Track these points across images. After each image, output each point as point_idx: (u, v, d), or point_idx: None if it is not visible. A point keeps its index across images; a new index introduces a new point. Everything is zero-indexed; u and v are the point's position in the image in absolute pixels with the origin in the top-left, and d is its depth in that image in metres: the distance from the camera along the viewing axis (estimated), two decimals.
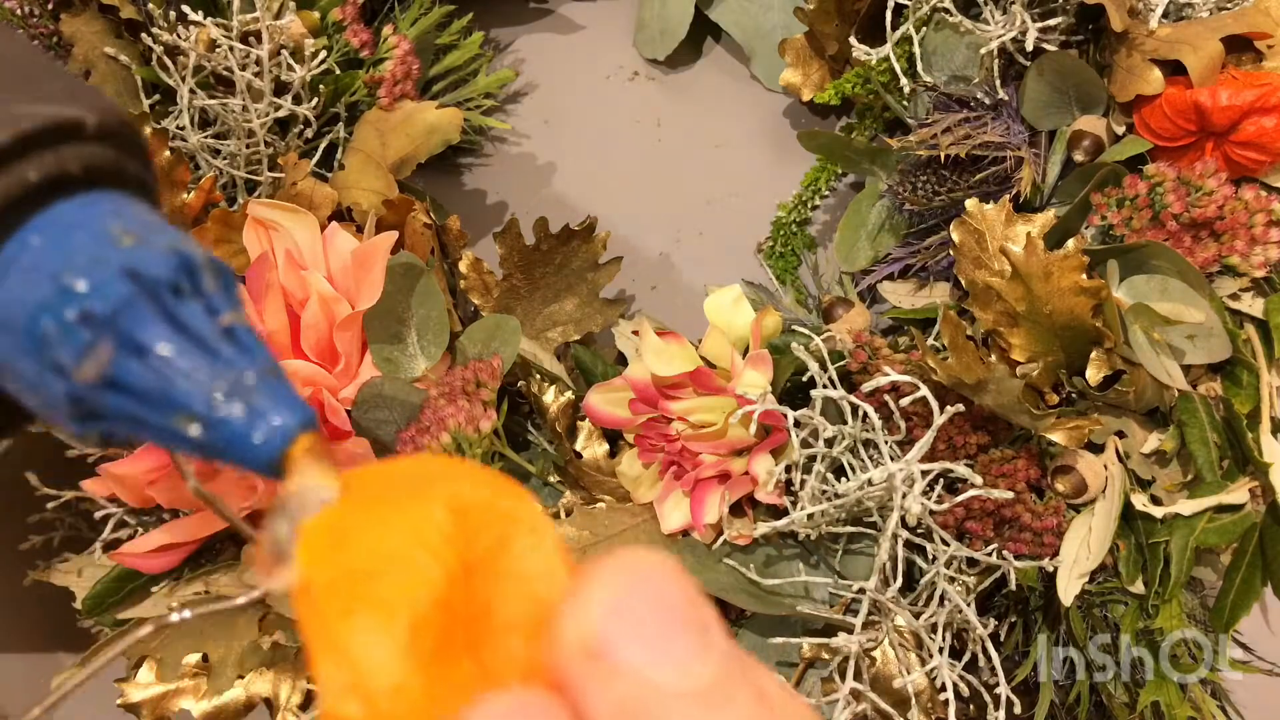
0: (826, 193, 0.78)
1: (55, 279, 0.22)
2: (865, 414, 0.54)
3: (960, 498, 0.54)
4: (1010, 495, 0.54)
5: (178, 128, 0.66)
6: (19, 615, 0.74)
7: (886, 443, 0.55)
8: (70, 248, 0.23)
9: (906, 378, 0.53)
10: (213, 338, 0.23)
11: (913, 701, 0.55)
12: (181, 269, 0.23)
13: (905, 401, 0.52)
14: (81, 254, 0.23)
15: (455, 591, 0.22)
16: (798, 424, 0.56)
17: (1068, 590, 0.56)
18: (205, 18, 0.65)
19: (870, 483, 0.53)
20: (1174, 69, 0.58)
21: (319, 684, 0.21)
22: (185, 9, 0.65)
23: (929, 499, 0.54)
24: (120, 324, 0.22)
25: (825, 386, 0.55)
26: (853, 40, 0.68)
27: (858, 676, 0.55)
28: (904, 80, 0.67)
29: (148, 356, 0.23)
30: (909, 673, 0.55)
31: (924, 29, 0.67)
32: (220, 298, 0.24)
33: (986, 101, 0.66)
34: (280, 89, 0.67)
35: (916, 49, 0.66)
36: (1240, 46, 0.58)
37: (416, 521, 0.22)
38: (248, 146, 0.67)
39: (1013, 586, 0.56)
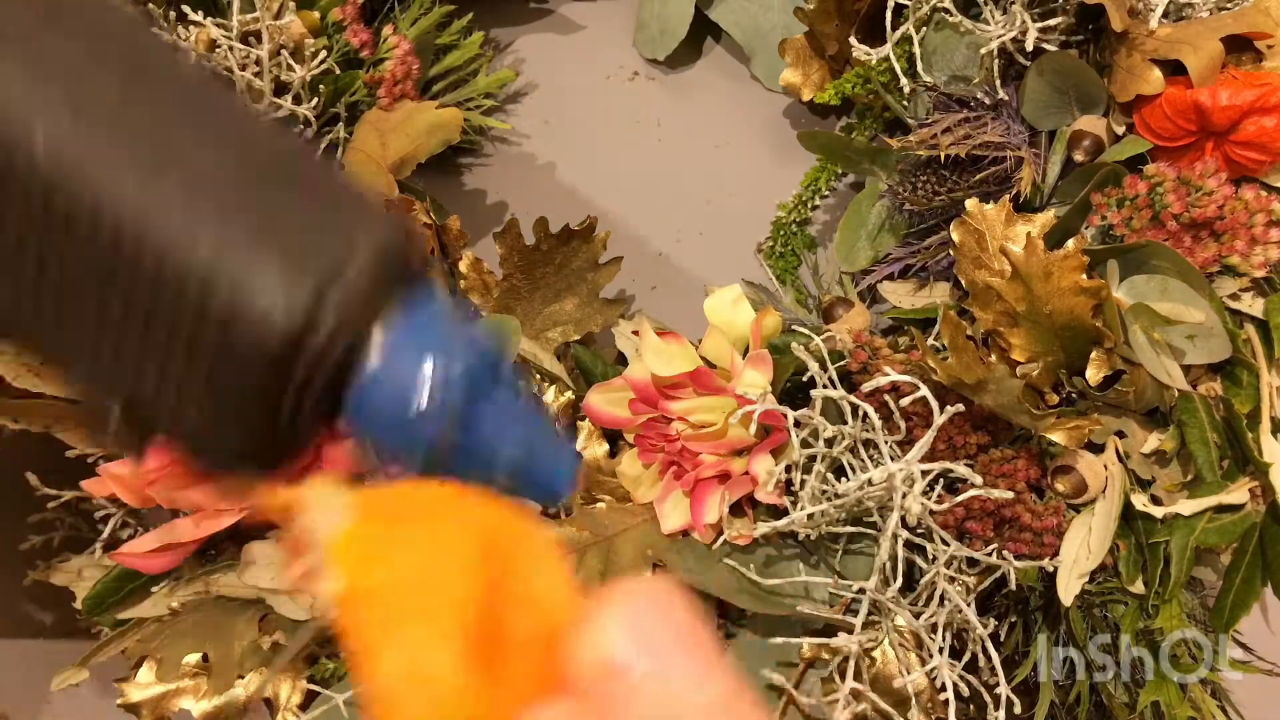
0: (826, 193, 0.78)
1: (415, 371, 0.27)
2: (865, 414, 0.54)
3: (960, 498, 0.54)
4: (1010, 495, 0.54)
5: None
6: (18, 615, 0.74)
7: (886, 443, 0.55)
8: (423, 346, 0.28)
9: (906, 378, 0.53)
10: (519, 407, 0.29)
11: (913, 701, 0.55)
12: (493, 356, 0.29)
13: (905, 401, 0.52)
14: (431, 350, 0.28)
15: (482, 610, 0.23)
16: (798, 424, 0.56)
17: (1068, 590, 0.56)
18: (205, 18, 0.65)
19: (870, 483, 0.53)
20: (1174, 69, 0.58)
21: (374, 682, 0.22)
22: (185, 9, 0.65)
23: (929, 499, 0.54)
24: (464, 403, 0.28)
25: (825, 386, 0.55)
26: (853, 40, 0.68)
27: (858, 676, 0.55)
28: (904, 80, 0.67)
29: (480, 425, 0.28)
30: (909, 673, 0.55)
31: (924, 29, 0.67)
32: (512, 375, 0.29)
33: (986, 101, 0.66)
34: (280, 89, 0.67)
35: (916, 49, 0.66)
36: (1240, 46, 0.58)
37: (451, 542, 0.24)
38: None
39: (1013, 586, 0.56)
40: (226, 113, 0.30)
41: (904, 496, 0.52)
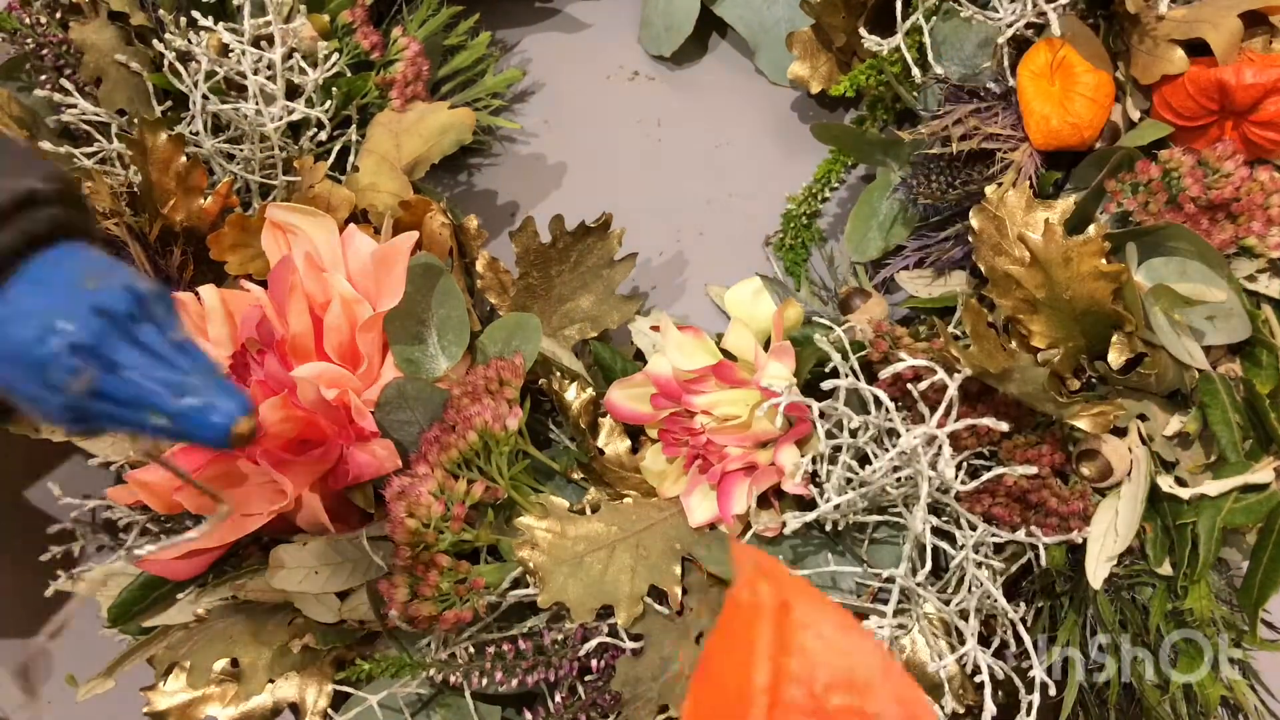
0: (836, 185, 0.78)
1: (46, 321, 0.29)
2: (885, 402, 0.54)
3: (985, 476, 0.54)
4: (1033, 470, 0.54)
5: (191, 133, 0.66)
6: (10, 618, 0.74)
7: (908, 429, 0.55)
8: (52, 295, 0.30)
9: (923, 361, 0.53)
10: (166, 351, 0.30)
11: (945, 688, 0.55)
12: (135, 301, 0.30)
13: (923, 385, 0.53)
14: (62, 299, 0.29)
15: None
16: (822, 415, 0.56)
17: (1096, 573, 0.56)
18: (216, 23, 0.65)
19: (901, 453, 0.53)
20: (1189, 50, 0.58)
21: None
22: (195, 15, 0.65)
23: (955, 479, 0.54)
24: (98, 349, 0.29)
25: (847, 376, 0.55)
26: (862, 31, 0.68)
27: None
28: (915, 71, 0.67)
29: (121, 371, 0.29)
30: (940, 659, 0.55)
31: (933, 19, 0.67)
32: (167, 320, 0.31)
33: (997, 90, 0.66)
34: (293, 92, 0.67)
35: (926, 39, 0.66)
36: (1253, 22, 0.58)
37: None
38: (261, 151, 0.67)
39: (1041, 566, 0.57)
40: None
41: (933, 463, 0.52)
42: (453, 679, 0.57)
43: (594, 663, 0.58)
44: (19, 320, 0.29)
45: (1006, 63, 0.65)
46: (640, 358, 0.67)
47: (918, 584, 0.56)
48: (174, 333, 0.31)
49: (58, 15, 0.70)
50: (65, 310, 0.29)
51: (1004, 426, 0.53)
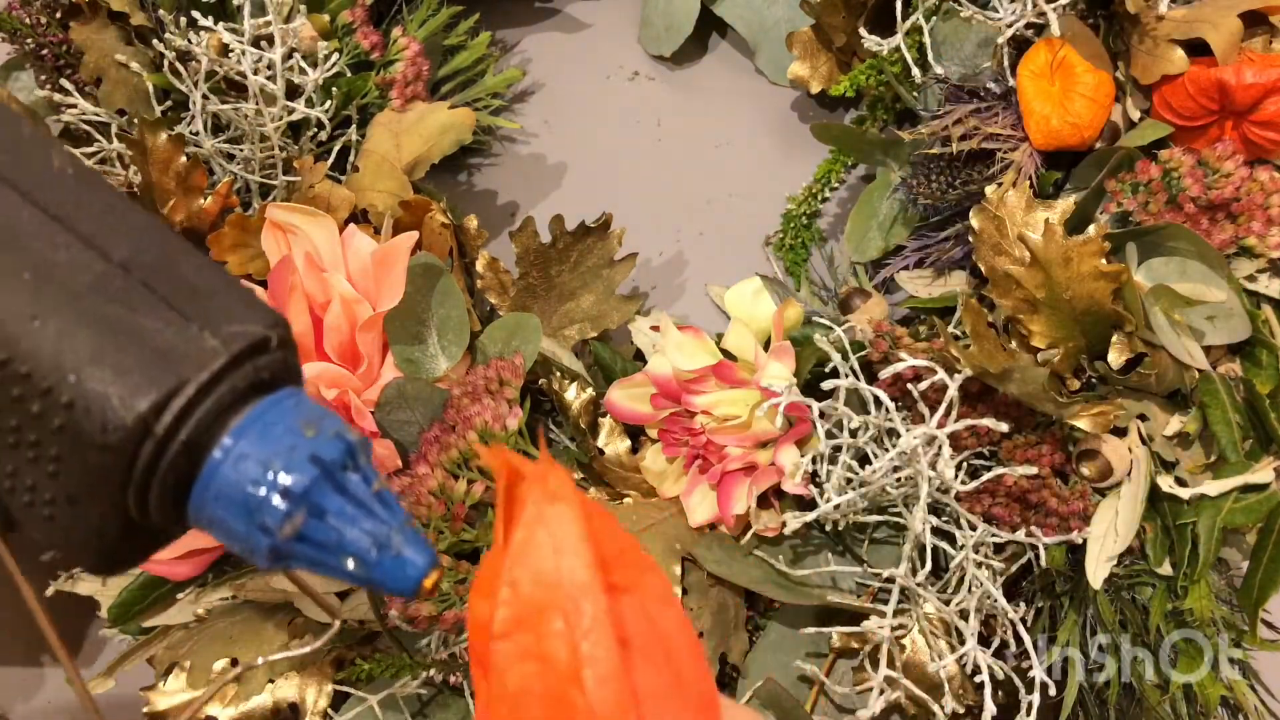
0: (836, 185, 0.78)
1: (263, 465, 0.29)
2: (885, 402, 0.54)
3: (985, 476, 0.54)
4: (1033, 470, 0.54)
5: (191, 133, 0.66)
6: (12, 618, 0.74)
7: (908, 429, 0.55)
8: (273, 441, 0.30)
9: (923, 361, 0.53)
10: (369, 501, 0.31)
11: (945, 688, 0.55)
12: (347, 450, 0.30)
13: (924, 385, 0.53)
14: (280, 445, 0.30)
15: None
16: (822, 415, 0.56)
17: (1096, 573, 0.56)
18: (216, 23, 0.65)
19: (901, 453, 0.53)
20: (1190, 49, 0.58)
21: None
22: (195, 15, 0.65)
23: (955, 479, 0.54)
24: (311, 496, 0.29)
25: (847, 376, 0.55)
26: (862, 31, 0.68)
27: (890, 664, 0.56)
28: (915, 71, 0.67)
29: (327, 517, 0.30)
30: (940, 659, 0.55)
31: (933, 19, 0.67)
32: (369, 469, 0.31)
33: (997, 90, 0.66)
34: (292, 92, 0.67)
35: (926, 39, 0.66)
36: (1253, 22, 0.58)
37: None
38: (261, 151, 0.67)
39: (1042, 565, 0.57)
40: (93, 210, 0.31)
41: (933, 463, 0.52)
42: (453, 679, 0.57)
43: None
44: (240, 463, 0.30)
45: (1006, 63, 0.65)
46: (640, 358, 0.67)
47: (918, 584, 0.56)
48: (376, 482, 0.31)
49: (58, 15, 0.69)
50: (285, 457, 0.29)
51: (1004, 427, 0.53)
